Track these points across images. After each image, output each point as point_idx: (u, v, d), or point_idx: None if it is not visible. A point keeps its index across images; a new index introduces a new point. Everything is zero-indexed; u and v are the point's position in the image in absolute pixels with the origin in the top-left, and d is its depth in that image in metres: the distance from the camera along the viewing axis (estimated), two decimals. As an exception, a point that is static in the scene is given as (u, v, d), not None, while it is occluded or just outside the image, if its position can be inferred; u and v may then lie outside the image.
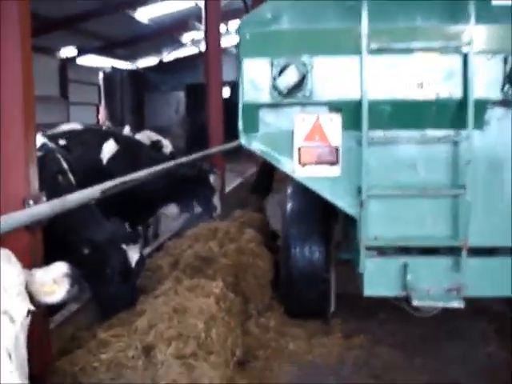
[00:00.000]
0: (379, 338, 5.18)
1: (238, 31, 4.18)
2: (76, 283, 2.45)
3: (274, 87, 4.06)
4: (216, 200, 7.41)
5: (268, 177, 8.79)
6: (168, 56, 27.09)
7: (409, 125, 4.11)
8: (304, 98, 4.10)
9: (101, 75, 26.76)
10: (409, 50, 4.04)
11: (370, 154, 4.06)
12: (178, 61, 27.73)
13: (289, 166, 4.25)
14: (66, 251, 4.48)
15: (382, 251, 4.33)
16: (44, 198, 3.84)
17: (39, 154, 5.02)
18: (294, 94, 4.09)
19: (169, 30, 21.92)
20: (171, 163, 6.72)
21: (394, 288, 4.31)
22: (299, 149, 4.17)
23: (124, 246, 4.61)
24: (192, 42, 25.02)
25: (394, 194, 4.16)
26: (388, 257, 4.31)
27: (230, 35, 21.15)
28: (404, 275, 4.25)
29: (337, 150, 4.14)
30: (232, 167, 13.39)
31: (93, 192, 4.40)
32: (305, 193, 4.99)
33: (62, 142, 6.40)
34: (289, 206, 5.50)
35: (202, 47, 26.23)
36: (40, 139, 5.48)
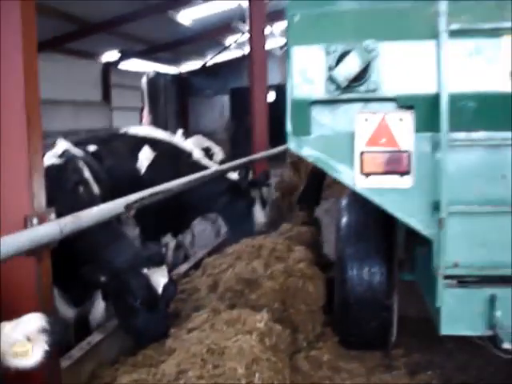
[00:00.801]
0: (449, 373, 4.49)
1: (286, 12, 3.46)
2: (57, 340, 1.76)
3: (331, 79, 3.32)
4: (259, 213, 6.76)
5: (317, 185, 8.03)
6: (211, 59, 26.58)
7: (499, 124, 3.30)
8: (367, 92, 3.35)
9: (144, 79, 26.43)
10: (497, 32, 3.24)
11: (450, 161, 3.26)
12: (221, 64, 27.25)
13: (348, 175, 3.49)
14: (80, 279, 3.90)
15: (463, 280, 3.52)
16: (53, 216, 3.17)
17: (58, 161, 4.45)
18: (354, 88, 3.34)
19: (212, 33, 21.40)
20: (210, 171, 6.04)
21: (478, 326, 3.51)
22: (361, 155, 3.41)
23: (146, 270, 3.97)
24: (236, 45, 24.46)
25: (481, 211, 3.34)
26: (471, 287, 3.50)
27: (274, 37, 20.54)
28: (491, 310, 3.44)
29: (408, 155, 3.36)
30: (277, 173, 12.90)
31: (115, 207, 3.72)
32: (362, 204, 4.29)
33: (91, 148, 5.82)
34: (344, 220, 4.74)
35: (246, 50, 25.99)
36: (63, 145, 4.90)
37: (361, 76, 3.29)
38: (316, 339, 4.73)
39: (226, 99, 28.92)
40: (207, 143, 8.25)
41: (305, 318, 4.66)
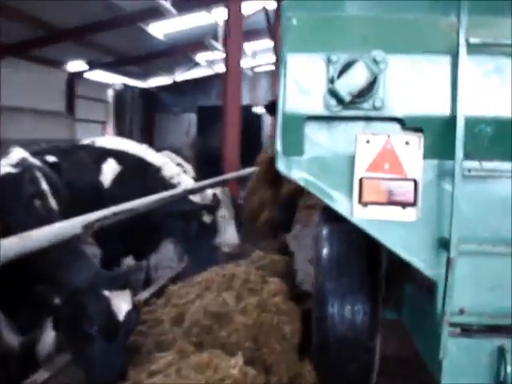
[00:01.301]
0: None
1: (282, 15, 3.03)
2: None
3: (331, 93, 2.89)
4: (231, 234, 6.30)
5: (291, 209, 7.61)
6: (181, 76, 26.19)
7: (519, 154, 2.91)
8: (371, 109, 2.93)
9: (111, 92, 25.85)
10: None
11: (463, 193, 2.84)
12: (190, 81, 26.94)
13: (344, 204, 3.04)
14: (28, 301, 3.40)
15: (468, 329, 3.09)
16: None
17: (12, 170, 3.95)
18: (357, 104, 2.92)
19: (183, 48, 21.03)
20: (177, 191, 5.56)
21: (484, 379, 3.08)
22: (361, 181, 2.97)
23: (107, 293, 3.48)
24: (207, 63, 24.15)
25: (494, 252, 2.93)
26: (478, 337, 3.08)
27: (246, 57, 20.27)
28: (499, 364, 3.03)
29: (415, 185, 2.93)
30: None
31: (71, 227, 3.20)
32: (345, 234, 3.93)
33: (50, 158, 5.29)
34: (324, 251, 4.26)
35: (217, 68, 25.86)
36: (19, 153, 4.38)
37: (366, 91, 2.86)
38: (290, 381, 4.26)
39: (193, 117, 28.62)
40: (177, 160, 7.74)
41: (279, 357, 4.19)
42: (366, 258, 4.06)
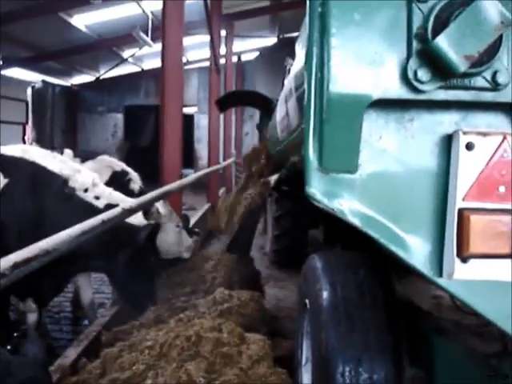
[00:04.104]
0: None
1: None
2: None
3: (425, 57, 1.57)
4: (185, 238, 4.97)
5: (251, 231, 6.30)
6: (106, 73, 24.39)
7: None
8: (487, 88, 1.63)
9: (29, 91, 23.75)
10: None
11: None
12: (116, 79, 25.16)
13: (429, 257, 1.74)
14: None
15: None
16: None
17: None
18: (466, 79, 1.61)
19: (109, 42, 19.32)
20: (111, 214, 4.02)
21: None
22: (461, 216, 1.68)
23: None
24: (134, 59, 22.49)
25: None
26: None
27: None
28: None
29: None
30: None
31: None
32: (353, 271, 2.85)
33: None
34: (325, 297, 2.93)
35: (145, 65, 24.23)
36: None
37: (484, 56, 1.56)
38: None
39: (119, 117, 26.92)
40: (119, 166, 6.15)
41: None
42: (382, 305, 2.81)
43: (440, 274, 1.75)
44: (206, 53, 15.95)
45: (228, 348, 3.26)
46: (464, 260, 1.70)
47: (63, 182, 4.36)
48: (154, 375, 3.07)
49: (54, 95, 25.22)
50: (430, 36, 1.55)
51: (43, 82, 23.78)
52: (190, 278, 5.53)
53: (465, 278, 1.71)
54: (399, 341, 2.82)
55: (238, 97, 9.44)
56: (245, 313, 4.20)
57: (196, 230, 5.74)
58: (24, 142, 22.52)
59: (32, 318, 4.52)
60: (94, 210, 4.12)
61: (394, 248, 1.76)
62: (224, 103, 8.80)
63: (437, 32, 1.53)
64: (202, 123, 24.07)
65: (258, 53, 24.63)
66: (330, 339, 2.75)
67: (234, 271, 5.51)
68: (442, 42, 1.51)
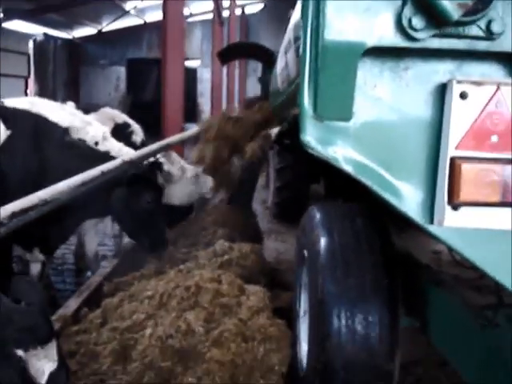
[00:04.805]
0: None
1: None
2: None
3: (419, 4, 1.57)
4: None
5: (252, 184, 6.32)
6: (108, 26, 24.08)
7: None
8: (482, 36, 1.63)
9: (31, 44, 23.49)
10: None
11: None
12: (119, 32, 24.84)
13: (421, 204, 1.77)
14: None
15: None
16: None
17: None
18: (460, 27, 1.61)
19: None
20: (111, 165, 4.06)
21: None
22: (453, 164, 1.70)
23: (22, 353, 2.14)
24: (136, 11, 22.20)
25: None
26: None
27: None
28: None
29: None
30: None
31: None
32: (351, 219, 2.84)
33: None
34: (322, 243, 2.95)
35: (148, 17, 23.91)
36: None
37: (479, 5, 1.56)
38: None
39: (122, 70, 26.65)
40: (122, 118, 6.13)
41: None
42: (379, 251, 2.84)
43: (431, 221, 1.78)
44: (210, 5, 15.74)
45: (227, 299, 3.34)
46: (455, 207, 1.73)
47: (62, 132, 4.34)
48: (153, 324, 3.16)
49: (55, 48, 24.96)
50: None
51: (45, 34, 23.49)
52: (191, 231, 5.60)
53: (455, 225, 1.74)
54: (395, 287, 2.84)
55: (239, 49, 9.33)
56: (245, 264, 4.27)
57: None
58: (26, 95, 22.40)
59: (35, 268, 4.58)
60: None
61: (386, 195, 1.79)
62: (226, 55, 8.72)
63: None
64: (205, 77, 23.89)
65: (262, 5, 24.26)
66: (326, 284, 2.78)
67: (235, 224, 5.57)
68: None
